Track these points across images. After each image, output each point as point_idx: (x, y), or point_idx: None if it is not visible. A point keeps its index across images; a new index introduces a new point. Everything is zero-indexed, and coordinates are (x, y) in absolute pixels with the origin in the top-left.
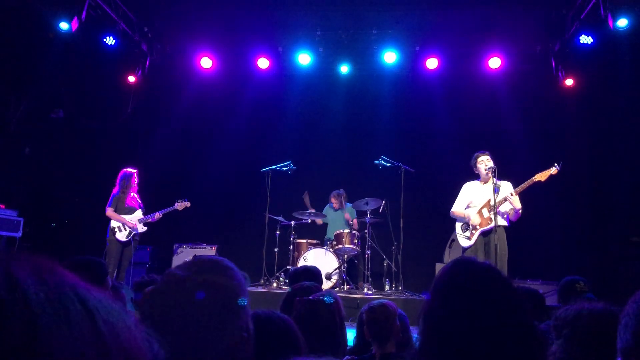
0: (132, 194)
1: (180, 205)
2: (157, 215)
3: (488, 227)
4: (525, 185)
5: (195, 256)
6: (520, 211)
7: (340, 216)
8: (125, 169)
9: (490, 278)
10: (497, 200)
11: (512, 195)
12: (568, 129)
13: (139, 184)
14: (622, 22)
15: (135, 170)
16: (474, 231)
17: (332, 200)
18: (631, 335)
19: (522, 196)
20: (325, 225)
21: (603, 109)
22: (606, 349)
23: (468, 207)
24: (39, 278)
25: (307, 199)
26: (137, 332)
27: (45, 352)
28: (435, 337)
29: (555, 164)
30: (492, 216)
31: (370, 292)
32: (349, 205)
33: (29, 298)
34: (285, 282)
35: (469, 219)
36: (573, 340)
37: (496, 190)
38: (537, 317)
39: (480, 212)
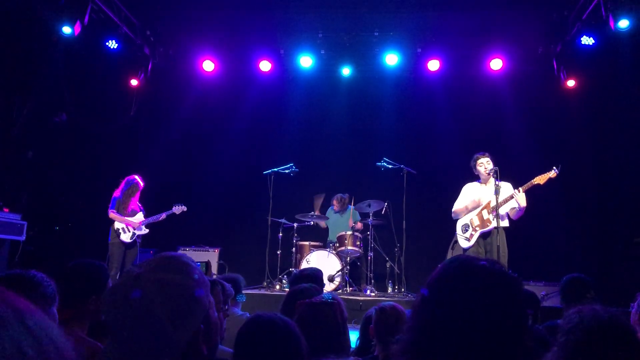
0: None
1: (177, 209)
2: (163, 216)
3: (487, 228)
4: (525, 187)
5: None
6: (523, 209)
7: (342, 219)
8: (134, 177)
9: (489, 274)
10: (500, 200)
11: (518, 192)
12: (570, 130)
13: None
14: (624, 23)
15: (143, 184)
16: (473, 232)
17: (334, 202)
18: None
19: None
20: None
21: (605, 110)
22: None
23: None
24: None
25: (318, 202)
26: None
27: None
28: (428, 332)
29: (554, 168)
30: (491, 217)
31: (373, 294)
32: (351, 207)
33: None
34: (289, 285)
35: (477, 202)
36: (568, 349)
37: (496, 192)
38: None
39: (480, 214)
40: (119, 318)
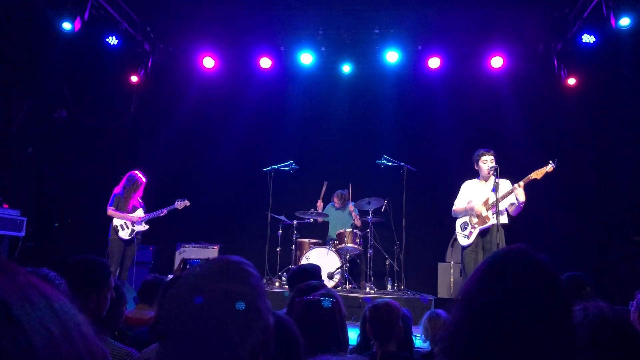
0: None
1: (179, 204)
2: (164, 212)
3: (486, 225)
4: (523, 182)
5: (208, 259)
6: (522, 205)
7: (342, 215)
8: (135, 173)
9: (540, 271)
10: (500, 195)
11: (519, 186)
12: (570, 128)
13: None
14: (625, 21)
15: (144, 180)
16: (472, 230)
17: (334, 199)
18: None
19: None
20: (326, 223)
21: (605, 108)
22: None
23: None
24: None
25: (323, 189)
26: (90, 338)
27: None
28: (471, 322)
29: (551, 162)
30: (490, 214)
31: (372, 291)
32: (352, 203)
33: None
34: (287, 281)
35: (472, 207)
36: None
37: (493, 189)
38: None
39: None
40: (181, 326)
